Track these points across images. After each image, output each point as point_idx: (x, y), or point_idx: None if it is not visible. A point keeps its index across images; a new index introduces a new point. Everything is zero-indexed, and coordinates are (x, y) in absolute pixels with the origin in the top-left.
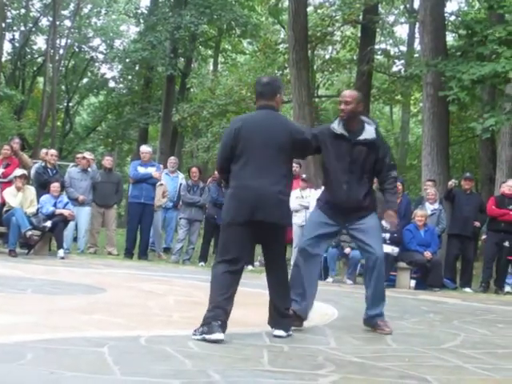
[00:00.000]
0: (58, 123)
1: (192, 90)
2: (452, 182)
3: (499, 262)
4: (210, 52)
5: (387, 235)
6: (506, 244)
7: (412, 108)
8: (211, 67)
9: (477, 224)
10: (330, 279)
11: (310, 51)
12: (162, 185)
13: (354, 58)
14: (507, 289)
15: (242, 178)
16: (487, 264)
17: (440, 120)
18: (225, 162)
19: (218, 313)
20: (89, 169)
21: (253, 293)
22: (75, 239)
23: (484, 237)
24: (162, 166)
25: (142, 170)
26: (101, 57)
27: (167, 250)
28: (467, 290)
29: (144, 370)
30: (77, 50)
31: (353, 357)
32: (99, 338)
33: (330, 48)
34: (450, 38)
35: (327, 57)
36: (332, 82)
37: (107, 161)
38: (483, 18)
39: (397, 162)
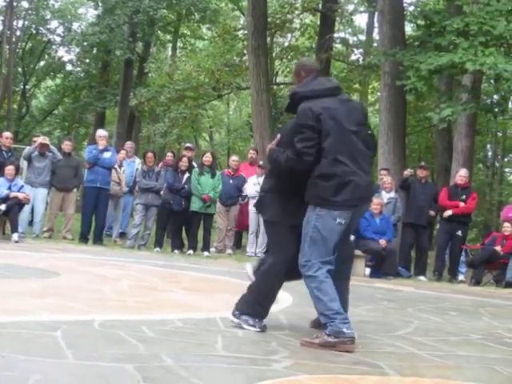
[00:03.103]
0: (14, 106)
1: (150, 74)
2: (408, 171)
3: (452, 251)
4: (168, 37)
5: None
6: (459, 233)
7: (370, 97)
8: (170, 52)
9: (431, 213)
10: None
11: (269, 38)
12: (124, 171)
13: (313, 46)
14: (460, 277)
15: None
16: (440, 253)
17: (397, 109)
18: None
19: None
20: (47, 152)
21: (207, 278)
22: (31, 223)
23: (438, 226)
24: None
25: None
26: (58, 39)
27: (123, 235)
28: (421, 278)
29: (97, 354)
30: (34, 31)
31: None
32: (52, 321)
33: (289, 35)
34: (408, 28)
35: (286, 44)
36: (290, 69)
37: (66, 145)
38: (442, 9)
39: None
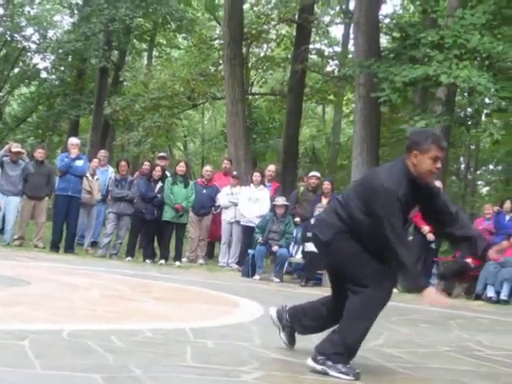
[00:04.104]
0: None
1: (125, 83)
2: None
3: (425, 263)
4: (144, 46)
5: None
6: (433, 246)
7: (344, 108)
8: (145, 61)
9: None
10: (257, 277)
11: (244, 48)
12: (98, 179)
13: (289, 56)
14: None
15: None
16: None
17: (371, 121)
18: None
19: None
20: (20, 160)
21: (178, 288)
22: (2, 231)
23: (411, 238)
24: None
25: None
26: (33, 46)
27: (94, 244)
28: (393, 290)
29: (65, 364)
30: (9, 38)
31: (277, 354)
32: (20, 330)
33: (264, 46)
34: (384, 40)
35: (262, 54)
36: (266, 79)
37: (39, 153)
38: (417, 21)
39: (328, 161)
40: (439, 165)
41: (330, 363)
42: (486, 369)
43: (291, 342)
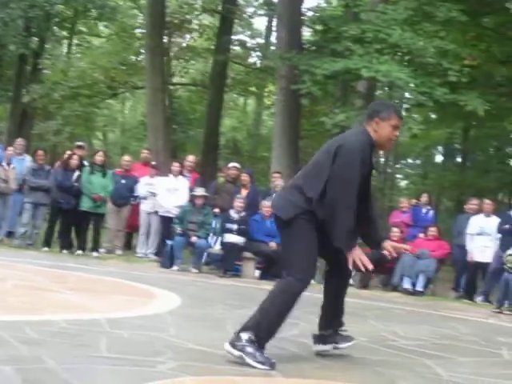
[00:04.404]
0: None
1: (44, 71)
2: None
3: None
4: (64, 33)
5: (234, 226)
6: None
7: (266, 100)
8: (65, 49)
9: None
10: (175, 267)
11: (166, 38)
12: (14, 168)
13: (211, 47)
14: (349, 281)
15: None
16: None
17: (291, 113)
18: None
19: None
20: None
21: (95, 279)
22: None
23: None
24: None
25: None
26: None
27: (11, 234)
28: (311, 281)
29: None
30: None
31: (192, 344)
32: None
33: (187, 36)
34: (306, 33)
35: (184, 45)
36: (188, 70)
37: None
38: (339, 15)
39: (248, 153)
40: (397, 133)
41: (248, 350)
42: (401, 358)
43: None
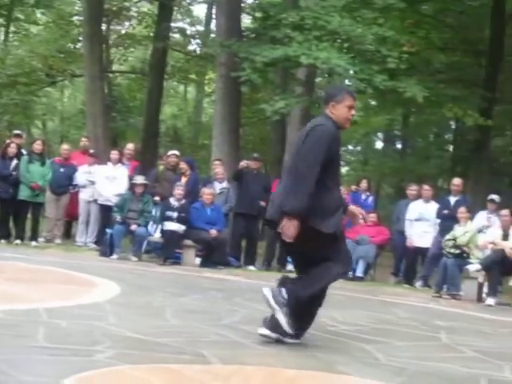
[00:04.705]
0: None
1: None
2: (244, 163)
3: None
4: (1, 20)
5: (174, 214)
6: None
7: (206, 88)
8: (2, 37)
9: (263, 203)
10: (115, 256)
11: (105, 25)
12: None
13: (150, 34)
14: (289, 267)
15: None
16: (271, 243)
17: (232, 100)
18: None
19: None
20: None
21: (34, 268)
22: None
23: None
24: None
25: None
26: None
27: None
28: (251, 267)
29: None
30: None
31: (131, 332)
32: None
33: (126, 23)
34: (246, 21)
35: (123, 32)
36: (127, 57)
37: None
38: (278, 2)
39: (189, 141)
40: (353, 112)
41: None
42: (340, 344)
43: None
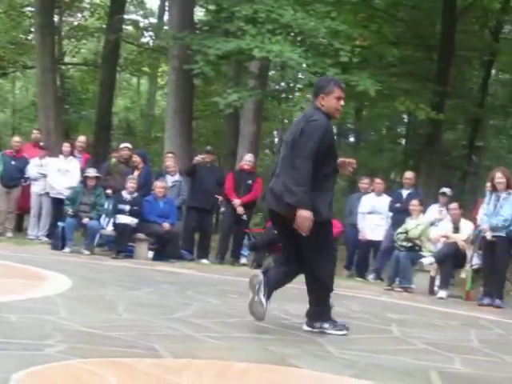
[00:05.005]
0: None
1: None
2: (198, 157)
3: (236, 235)
4: None
5: (127, 207)
6: (244, 217)
7: (159, 80)
8: None
9: (220, 198)
10: (67, 249)
11: (57, 17)
12: None
13: (103, 26)
14: (243, 260)
15: None
16: (224, 236)
17: (184, 93)
18: None
19: None
20: None
21: None
22: None
23: (222, 209)
24: None
25: None
26: None
27: None
28: (204, 261)
29: None
30: None
31: (82, 326)
32: None
33: (78, 15)
34: (200, 13)
35: (75, 23)
36: (79, 49)
37: None
38: None
39: (142, 134)
40: (342, 103)
41: (325, 325)
42: (292, 337)
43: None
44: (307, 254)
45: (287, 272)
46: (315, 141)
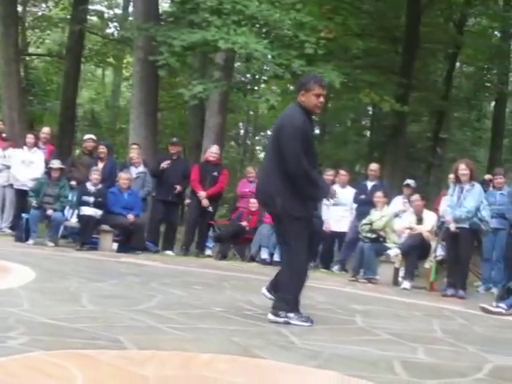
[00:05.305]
0: None
1: None
2: (165, 164)
3: (201, 226)
4: None
5: (91, 198)
6: (209, 209)
7: (124, 71)
8: None
9: (178, 188)
10: (31, 241)
11: (21, 7)
12: None
13: (68, 17)
14: (208, 252)
15: None
16: (189, 228)
17: (149, 84)
18: None
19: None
20: None
21: None
22: None
23: (188, 201)
24: None
25: None
26: None
27: None
28: (169, 252)
29: None
30: None
31: (45, 318)
32: None
33: (42, 5)
34: (165, 4)
35: (39, 14)
36: (43, 40)
37: None
38: None
39: (107, 125)
40: (322, 99)
41: (290, 315)
42: (256, 327)
43: None
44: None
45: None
46: (296, 143)
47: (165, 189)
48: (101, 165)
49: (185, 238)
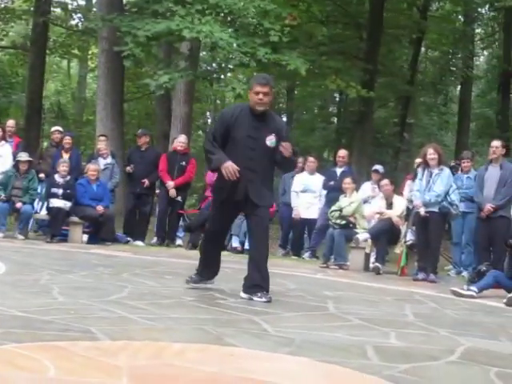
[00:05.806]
0: None
1: None
2: (129, 168)
3: (171, 216)
4: None
5: (60, 190)
6: (179, 199)
7: (90, 63)
8: None
9: (146, 183)
10: (0, 234)
11: None
12: None
13: (31, 9)
14: (178, 242)
15: None
16: (160, 219)
17: (115, 75)
18: None
19: None
20: None
21: None
22: None
23: (158, 191)
24: None
25: None
26: None
27: None
28: (139, 243)
29: None
30: None
31: (16, 311)
32: None
33: None
34: None
35: (2, 6)
36: (7, 32)
37: None
38: None
39: (74, 117)
40: (261, 96)
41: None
42: (228, 316)
43: None
44: None
45: None
46: (216, 126)
47: (136, 182)
48: (66, 156)
49: (156, 228)
